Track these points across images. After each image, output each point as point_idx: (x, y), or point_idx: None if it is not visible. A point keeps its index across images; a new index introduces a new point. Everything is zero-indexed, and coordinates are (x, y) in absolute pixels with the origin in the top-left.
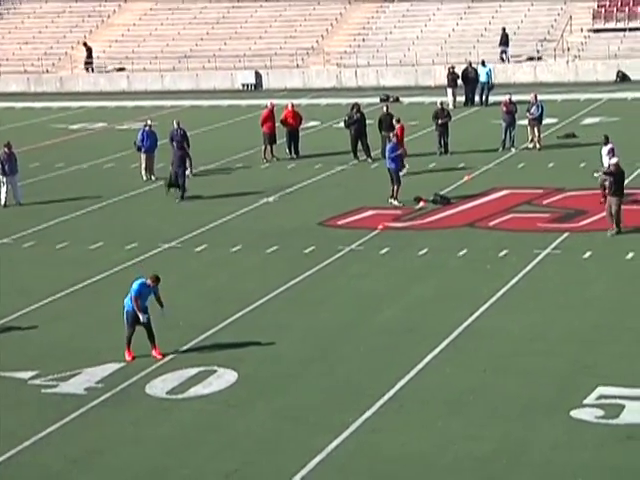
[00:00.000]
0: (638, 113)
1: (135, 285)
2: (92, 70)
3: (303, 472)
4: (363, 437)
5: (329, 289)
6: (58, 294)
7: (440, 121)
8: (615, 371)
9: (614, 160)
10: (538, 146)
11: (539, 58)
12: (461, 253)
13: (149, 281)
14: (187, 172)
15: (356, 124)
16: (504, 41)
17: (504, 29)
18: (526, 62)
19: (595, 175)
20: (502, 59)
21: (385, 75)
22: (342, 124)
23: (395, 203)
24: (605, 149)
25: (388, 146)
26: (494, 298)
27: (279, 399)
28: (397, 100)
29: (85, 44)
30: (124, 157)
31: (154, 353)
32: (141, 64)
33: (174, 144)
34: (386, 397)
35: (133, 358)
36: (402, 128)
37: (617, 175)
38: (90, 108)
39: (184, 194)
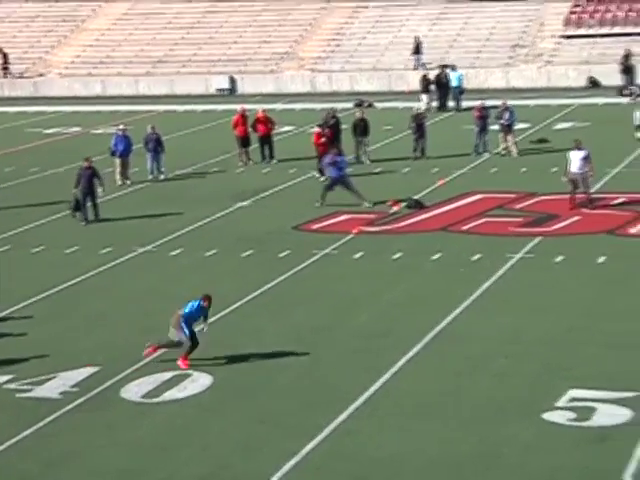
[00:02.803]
0: (609, 118)
1: (194, 307)
2: (9, 76)
3: (278, 475)
4: (337, 440)
5: (304, 293)
6: (33, 298)
7: (415, 125)
8: (587, 374)
9: None
10: (515, 150)
11: (453, 67)
12: (435, 257)
13: (205, 303)
14: (99, 190)
15: (331, 129)
16: (417, 50)
17: (417, 38)
18: (493, 69)
19: (563, 180)
20: (416, 67)
21: (359, 80)
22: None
23: (367, 205)
24: (578, 154)
25: (336, 157)
26: (468, 301)
27: (254, 402)
28: (371, 105)
29: (0, 50)
30: (99, 161)
31: (181, 363)
32: (116, 69)
33: (148, 147)
34: (360, 400)
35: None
36: (317, 135)
37: None
38: (65, 113)
39: (98, 215)
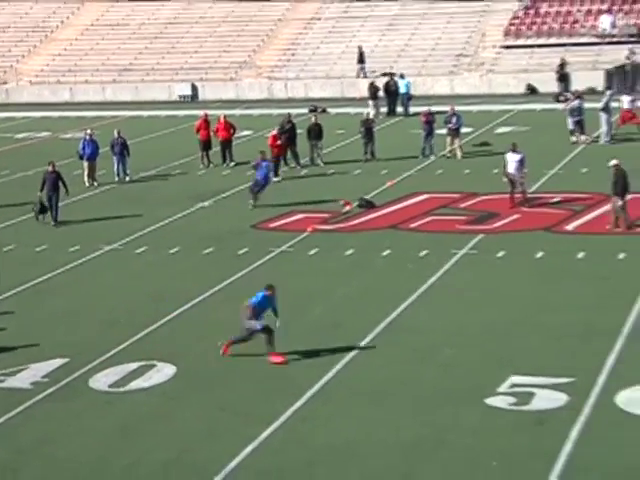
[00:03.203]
0: (546, 123)
1: (259, 299)
2: None
3: (238, 459)
4: (293, 426)
5: (262, 288)
6: (5, 294)
7: (365, 129)
8: (526, 362)
9: (614, 162)
10: (460, 153)
11: (401, 75)
12: (385, 253)
13: (268, 292)
14: (64, 194)
15: (287, 133)
16: (361, 59)
17: (360, 47)
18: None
19: (504, 180)
20: (359, 75)
21: (313, 87)
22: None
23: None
24: (514, 156)
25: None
26: (415, 295)
27: (215, 391)
28: (324, 111)
29: None
30: (68, 164)
31: (272, 359)
32: (83, 77)
33: (114, 151)
34: (315, 388)
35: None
36: (273, 137)
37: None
38: (35, 118)
39: (57, 217)
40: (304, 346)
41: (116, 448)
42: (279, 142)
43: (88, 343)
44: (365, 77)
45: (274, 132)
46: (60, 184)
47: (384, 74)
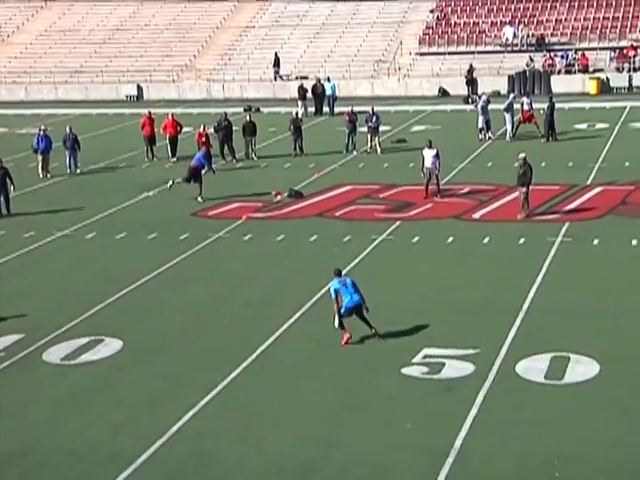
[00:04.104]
0: (456, 122)
1: (351, 281)
2: None
3: (179, 424)
4: (230, 394)
5: (201, 270)
6: None
7: (294, 127)
8: (438, 335)
9: (522, 155)
10: (379, 149)
11: (328, 78)
12: (312, 239)
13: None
14: (11, 188)
15: (224, 130)
16: (276, 63)
17: (276, 53)
18: (361, 80)
19: (422, 174)
20: (275, 78)
21: (248, 89)
22: (212, 130)
23: (200, 200)
24: (430, 152)
25: (201, 154)
26: None
27: (159, 363)
28: (258, 110)
29: None
30: (23, 158)
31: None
32: (38, 77)
33: (66, 146)
34: (250, 359)
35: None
36: (199, 134)
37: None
38: None
39: (9, 209)
40: (240, 321)
41: (67, 415)
42: (204, 139)
43: (42, 320)
44: (281, 79)
45: (200, 130)
46: (7, 180)
47: (298, 77)
